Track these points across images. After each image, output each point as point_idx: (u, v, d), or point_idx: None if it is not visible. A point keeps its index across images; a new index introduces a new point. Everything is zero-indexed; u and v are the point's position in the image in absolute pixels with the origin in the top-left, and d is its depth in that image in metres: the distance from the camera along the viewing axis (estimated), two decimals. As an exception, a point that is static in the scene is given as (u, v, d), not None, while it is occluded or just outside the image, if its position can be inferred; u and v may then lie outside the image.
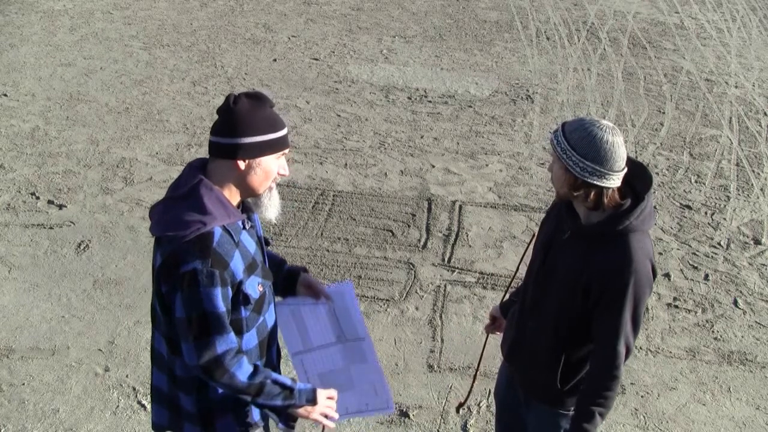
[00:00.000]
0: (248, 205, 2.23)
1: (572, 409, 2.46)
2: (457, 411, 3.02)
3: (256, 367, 2.17)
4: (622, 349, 2.25)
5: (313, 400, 2.25)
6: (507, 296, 2.80)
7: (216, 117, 2.14)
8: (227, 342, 2.09)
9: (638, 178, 2.28)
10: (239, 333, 2.18)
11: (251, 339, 2.24)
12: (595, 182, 2.18)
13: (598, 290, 2.23)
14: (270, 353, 2.37)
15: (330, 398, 2.31)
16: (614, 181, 2.20)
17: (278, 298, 2.50)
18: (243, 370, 2.13)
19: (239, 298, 2.13)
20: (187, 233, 2.02)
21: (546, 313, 2.40)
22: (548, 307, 2.39)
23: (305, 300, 2.53)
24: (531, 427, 2.66)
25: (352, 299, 2.59)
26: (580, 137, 2.17)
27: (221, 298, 2.05)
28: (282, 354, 2.51)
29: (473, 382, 2.95)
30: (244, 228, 2.17)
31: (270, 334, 2.33)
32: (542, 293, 2.41)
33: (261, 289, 2.19)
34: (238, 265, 2.09)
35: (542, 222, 2.56)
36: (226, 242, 2.07)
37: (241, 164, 2.08)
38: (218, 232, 2.05)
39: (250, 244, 2.19)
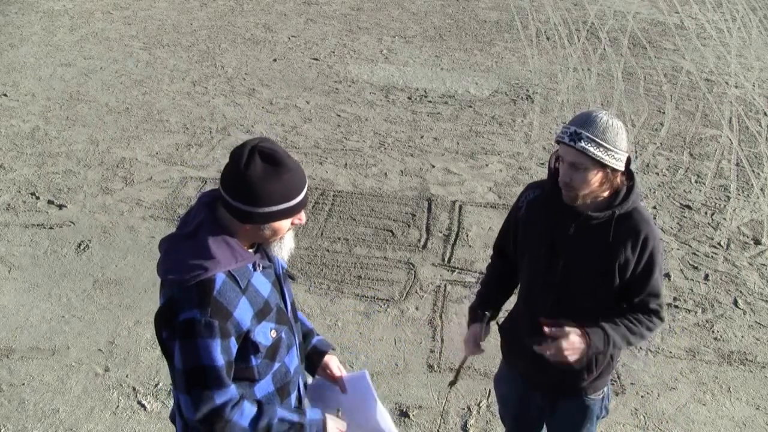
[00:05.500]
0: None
1: (602, 391, 2.55)
2: (450, 386, 2.96)
3: (260, 408, 2.03)
4: (663, 300, 2.42)
5: (323, 430, 2.16)
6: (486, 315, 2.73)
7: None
8: (226, 394, 1.96)
9: None
10: (252, 381, 2.06)
11: (266, 386, 2.11)
12: (621, 168, 2.23)
13: (634, 261, 2.30)
14: (289, 400, 2.21)
15: (340, 430, 2.22)
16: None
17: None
18: (245, 416, 1.99)
19: (248, 347, 1.99)
20: (187, 278, 1.89)
21: (574, 311, 2.38)
22: (576, 304, 2.38)
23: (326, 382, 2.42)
24: (561, 425, 2.66)
25: (367, 389, 2.40)
26: (614, 133, 2.18)
27: (220, 351, 1.91)
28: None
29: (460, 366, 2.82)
30: (255, 270, 2.02)
31: (291, 379, 2.18)
32: (563, 294, 2.39)
33: (274, 335, 2.04)
34: (244, 313, 1.95)
35: (523, 235, 2.49)
36: (230, 290, 1.92)
37: (248, 226, 1.96)
38: (221, 278, 1.91)
39: (264, 287, 2.04)
